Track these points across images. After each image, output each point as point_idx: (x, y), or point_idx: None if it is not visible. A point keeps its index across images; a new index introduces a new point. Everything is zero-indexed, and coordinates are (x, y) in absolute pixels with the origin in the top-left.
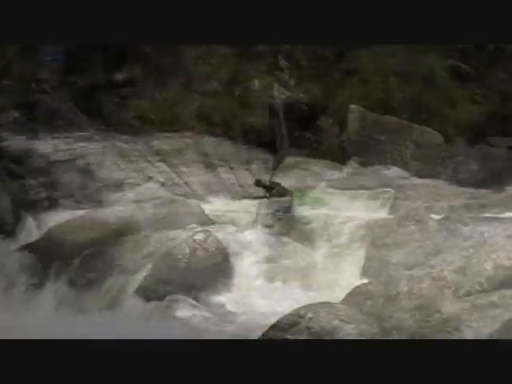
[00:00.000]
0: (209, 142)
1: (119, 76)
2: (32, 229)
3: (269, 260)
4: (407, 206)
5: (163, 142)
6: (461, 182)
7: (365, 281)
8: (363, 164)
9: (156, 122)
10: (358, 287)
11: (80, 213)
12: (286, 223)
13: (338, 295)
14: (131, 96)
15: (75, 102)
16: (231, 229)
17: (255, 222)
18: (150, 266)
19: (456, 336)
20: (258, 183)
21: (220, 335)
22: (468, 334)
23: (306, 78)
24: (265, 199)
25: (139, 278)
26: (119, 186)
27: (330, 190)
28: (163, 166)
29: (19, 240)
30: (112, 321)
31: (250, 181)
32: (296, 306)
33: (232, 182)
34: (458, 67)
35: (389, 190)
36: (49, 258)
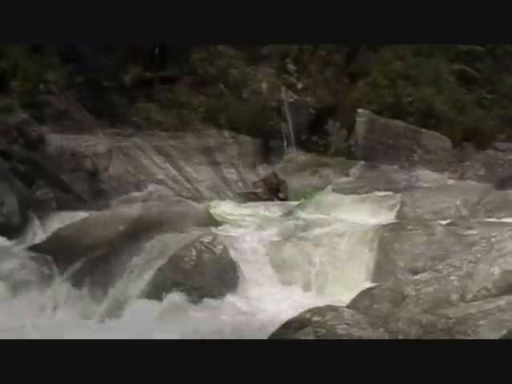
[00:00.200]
0: (217, 145)
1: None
2: (39, 230)
3: (274, 263)
4: (414, 210)
5: (170, 143)
6: (468, 188)
7: (371, 285)
8: (370, 168)
9: (163, 123)
10: (364, 291)
11: (87, 214)
12: (291, 226)
13: (344, 299)
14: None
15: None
16: (238, 231)
17: (261, 224)
18: (156, 268)
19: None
20: (265, 186)
21: (224, 336)
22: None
23: (314, 82)
24: (271, 202)
25: (146, 279)
26: (127, 187)
27: (337, 194)
28: (170, 168)
29: (26, 241)
30: (118, 324)
31: (257, 183)
32: (301, 310)
33: (239, 185)
34: (465, 71)
35: (396, 194)
36: (56, 259)
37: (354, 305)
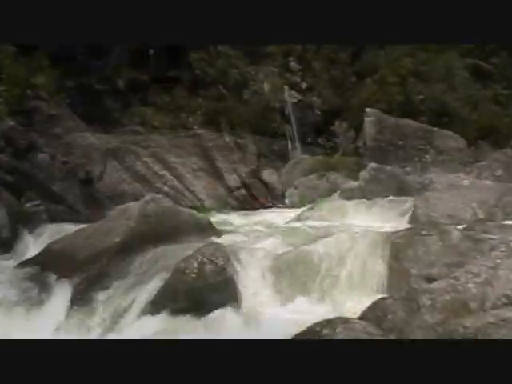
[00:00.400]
0: (217, 149)
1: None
2: (30, 244)
3: (280, 273)
4: (428, 214)
5: (168, 149)
6: (485, 189)
7: (384, 294)
8: (380, 171)
9: (160, 128)
10: (376, 301)
11: (81, 226)
12: (298, 235)
13: (355, 310)
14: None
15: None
16: (241, 241)
17: (266, 233)
18: (156, 281)
19: None
20: (269, 192)
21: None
22: None
23: (319, 81)
24: (276, 209)
25: (145, 294)
26: (122, 196)
27: (345, 199)
28: (168, 175)
29: (17, 255)
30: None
31: (261, 189)
32: (309, 322)
33: (241, 192)
34: (479, 66)
35: (408, 198)
36: (49, 274)
37: (365, 316)
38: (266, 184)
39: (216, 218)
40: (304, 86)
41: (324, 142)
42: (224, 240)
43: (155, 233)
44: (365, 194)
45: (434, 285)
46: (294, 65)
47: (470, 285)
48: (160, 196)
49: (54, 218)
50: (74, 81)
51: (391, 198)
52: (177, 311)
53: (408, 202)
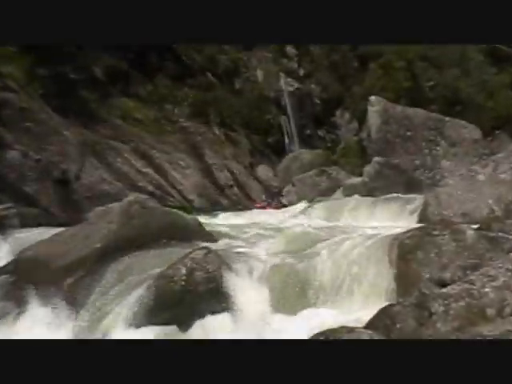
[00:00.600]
0: (206, 144)
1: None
2: (2, 250)
3: (277, 280)
4: (440, 212)
5: (152, 144)
6: (502, 183)
7: (392, 301)
8: (387, 165)
9: (143, 121)
10: (384, 309)
11: (58, 230)
12: (297, 237)
13: (362, 318)
14: (115, 93)
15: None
16: (234, 245)
17: (262, 236)
18: (140, 289)
19: None
20: (264, 190)
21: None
22: None
23: (318, 67)
24: (273, 209)
25: (128, 304)
26: (102, 197)
27: (349, 197)
28: (152, 173)
29: None
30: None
31: (255, 188)
32: (311, 333)
33: (234, 190)
34: (495, 49)
35: (418, 194)
36: (22, 284)
37: (372, 324)
38: (260, 181)
39: (206, 219)
40: (301, 72)
41: (324, 135)
42: (216, 244)
43: (139, 237)
44: (369, 190)
45: (447, 290)
46: (290, 49)
47: (486, 289)
48: (144, 196)
49: (26, 223)
50: (48, 69)
51: (399, 195)
52: (163, 323)
53: (417, 199)
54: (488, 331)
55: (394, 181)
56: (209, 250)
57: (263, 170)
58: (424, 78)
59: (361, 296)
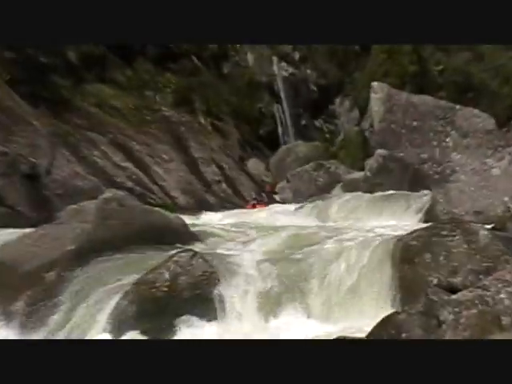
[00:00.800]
0: (191, 135)
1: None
2: None
3: (269, 286)
4: (450, 210)
5: (131, 135)
6: None
7: (397, 309)
8: (391, 159)
9: (121, 110)
10: (387, 317)
11: (26, 231)
12: (291, 238)
13: (363, 328)
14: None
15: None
16: (223, 247)
17: (253, 237)
18: (118, 296)
19: None
20: (256, 186)
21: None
22: None
23: (315, 50)
24: (265, 208)
25: (105, 313)
26: (76, 194)
27: (349, 194)
28: (131, 167)
29: None
30: None
31: (245, 184)
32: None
33: (222, 187)
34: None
35: (425, 191)
36: None
37: (375, 334)
38: (251, 177)
39: (191, 218)
40: (297, 56)
41: (322, 125)
42: (202, 246)
43: (117, 238)
44: (372, 186)
45: (458, 296)
46: None
47: (501, 295)
48: (122, 193)
49: None
50: (15, 52)
51: (404, 191)
52: (144, 333)
53: (424, 196)
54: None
55: (399, 176)
56: (194, 253)
57: (254, 164)
58: (432, 62)
59: (361, 303)
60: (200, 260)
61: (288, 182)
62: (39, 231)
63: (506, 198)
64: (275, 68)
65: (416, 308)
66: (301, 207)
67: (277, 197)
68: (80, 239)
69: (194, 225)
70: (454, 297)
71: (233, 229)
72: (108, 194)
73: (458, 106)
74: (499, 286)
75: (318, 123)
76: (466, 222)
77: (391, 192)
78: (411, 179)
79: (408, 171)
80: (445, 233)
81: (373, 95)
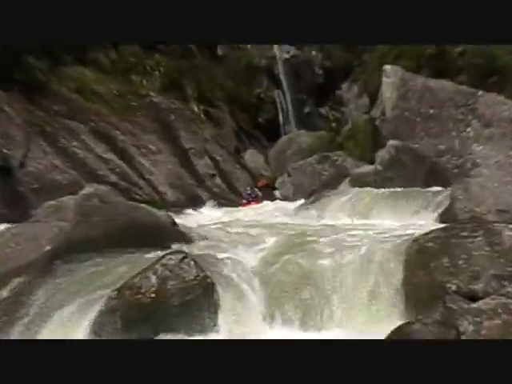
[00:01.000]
0: (181, 123)
1: None
2: None
3: (268, 292)
4: (471, 209)
5: (115, 124)
6: None
7: (410, 318)
8: (404, 150)
9: (104, 95)
10: (400, 327)
11: None
12: (293, 238)
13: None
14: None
15: None
16: (217, 248)
17: (250, 237)
18: (99, 304)
19: None
20: (253, 181)
21: None
22: None
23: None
24: (262, 203)
25: (86, 321)
26: (54, 189)
27: (356, 189)
28: (115, 159)
29: None
30: None
31: (242, 178)
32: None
33: (216, 181)
34: None
35: (443, 187)
36: None
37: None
38: (248, 170)
39: (182, 217)
40: None
41: (327, 112)
42: (193, 247)
43: (99, 238)
44: (383, 181)
45: (479, 304)
46: None
47: None
48: (105, 188)
49: None
50: None
51: (419, 187)
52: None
53: (442, 193)
54: None
55: (413, 170)
56: (185, 255)
57: (252, 157)
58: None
59: (369, 312)
60: (191, 263)
61: (289, 176)
62: (12, 230)
63: None
64: (275, 50)
65: (432, 317)
66: (303, 204)
67: (276, 193)
68: (57, 239)
69: (184, 224)
70: (474, 305)
71: (227, 228)
72: (89, 188)
73: (480, 92)
74: None
75: (323, 111)
76: (488, 221)
77: (405, 188)
78: (427, 173)
79: (423, 164)
80: (465, 234)
81: (384, 79)
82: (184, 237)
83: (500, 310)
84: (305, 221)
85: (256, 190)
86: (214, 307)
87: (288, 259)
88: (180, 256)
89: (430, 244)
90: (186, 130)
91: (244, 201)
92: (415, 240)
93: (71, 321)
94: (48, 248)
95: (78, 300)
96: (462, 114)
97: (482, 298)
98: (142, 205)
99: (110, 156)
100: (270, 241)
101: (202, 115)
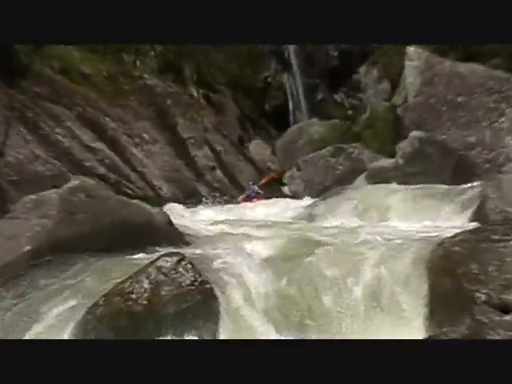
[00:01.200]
0: (179, 110)
1: None
2: None
3: (274, 298)
4: (503, 209)
5: (104, 109)
6: None
7: (434, 331)
8: (429, 142)
9: (92, 77)
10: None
11: None
12: (302, 240)
13: None
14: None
15: None
16: (215, 250)
17: (252, 238)
18: (83, 311)
19: None
20: (258, 175)
21: None
22: None
23: None
24: (268, 200)
25: (67, 331)
26: (35, 182)
27: (375, 185)
28: (105, 149)
29: None
30: None
31: (246, 171)
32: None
33: (217, 175)
34: None
35: (473, 184)
36: None
37: None
38: (253, 162)
39: (178, 214)
40: None
41: (343, 99)
42: (190, 249)
43: (85, 237)
44: (405, 176)
45: None
46: None
47: None
48: (92, 181)
49: None
50: None
51: (446, 184)
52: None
53: (471, 190)
54: None
55: (439, 164)
56: (181, 257)
57: (257, 147)
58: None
59: (389, 324)
60: (188, 266)
61: (299, 170)
62: None
63: None
64: None
65: (459, 331)
66: (313, 202)
67: (285, 189)
68: (39, 238)
69: (180, 222)
70: (507, 317)
71: (228, 228)
72: (74, 181)
73: None
74: None
75: (337, 97)
76: None
77: (429, 184)
78: (454, 168)
79: (450, 158)
80: (497, 237)
81: (407, 63)
82: (180, 237)
83: None
84: (315, 221)
85: (255, 186)
86: (213, 316)
87: (294, 265)
88: (176, 258)
89: (457, 248)
90: (184, 116)
91: (240, 198)
92: (440, 244)
93: (52, 331)
94: (28, 248)
95: (60, 307)
96: (495, 101)
97: None
98: (134, 201)
99: (98, 145)
100: (275, 244)
101: (202, 100)
